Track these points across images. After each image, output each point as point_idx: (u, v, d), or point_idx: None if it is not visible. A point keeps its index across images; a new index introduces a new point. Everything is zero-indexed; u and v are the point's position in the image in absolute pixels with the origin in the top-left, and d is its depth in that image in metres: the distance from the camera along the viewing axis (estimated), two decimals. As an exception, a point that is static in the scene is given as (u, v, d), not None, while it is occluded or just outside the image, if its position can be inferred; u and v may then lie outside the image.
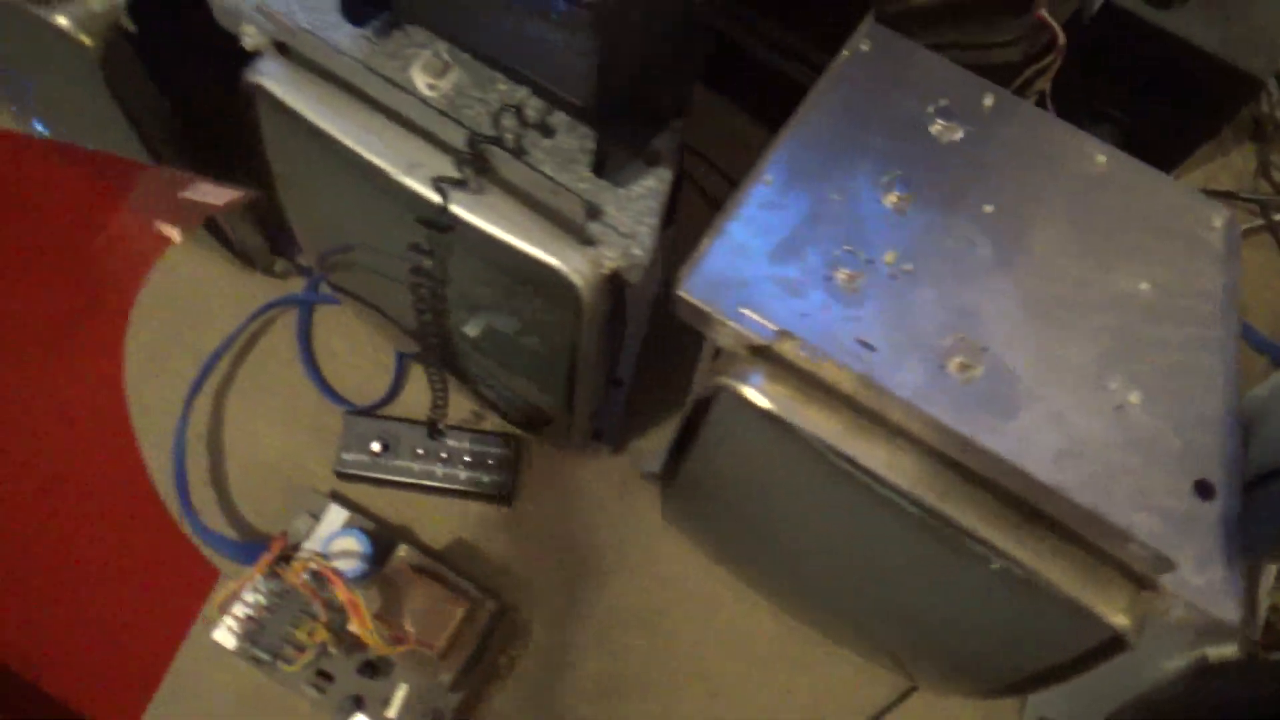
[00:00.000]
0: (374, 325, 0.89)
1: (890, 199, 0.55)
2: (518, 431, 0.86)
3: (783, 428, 0.51)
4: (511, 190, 0.55)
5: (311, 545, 0.80)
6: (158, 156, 0.69)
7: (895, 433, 0.50)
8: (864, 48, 0.59)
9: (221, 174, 0.78)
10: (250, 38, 0.57)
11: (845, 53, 0.59)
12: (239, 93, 0.76)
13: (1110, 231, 0.55)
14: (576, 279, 0.54)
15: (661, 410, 0.90)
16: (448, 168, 0.54)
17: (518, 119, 0.53)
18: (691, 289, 0.51)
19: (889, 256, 0.53)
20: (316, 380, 0.88)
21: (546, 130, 0.55)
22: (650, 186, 0.55)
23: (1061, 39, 0.74)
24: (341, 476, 0.85)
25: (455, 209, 0.54)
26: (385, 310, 0.75)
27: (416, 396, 0.89)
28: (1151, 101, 0.92)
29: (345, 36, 0.57)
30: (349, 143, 0.55)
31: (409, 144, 0.56)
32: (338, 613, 0.75)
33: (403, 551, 0.75)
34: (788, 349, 0.50)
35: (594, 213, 0.53)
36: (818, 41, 0.83)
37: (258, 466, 0.86)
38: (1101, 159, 0.57)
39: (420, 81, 0.56)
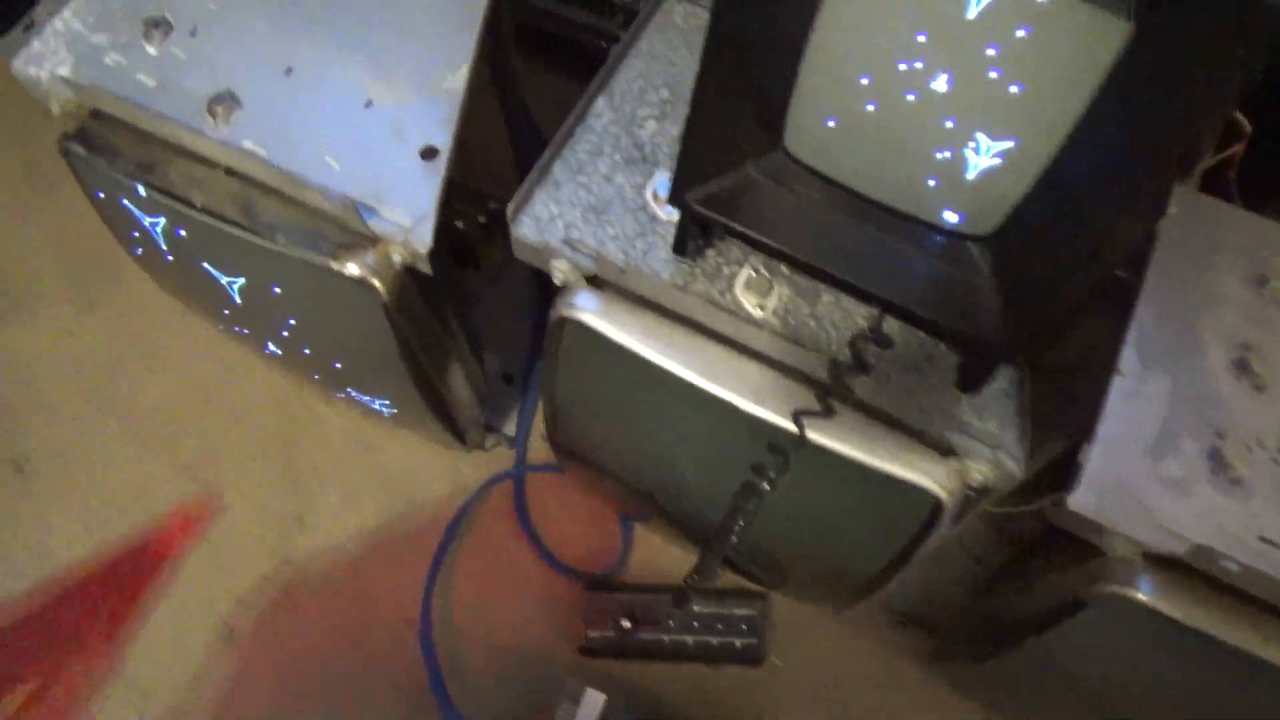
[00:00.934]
0: (596, 491, 0.87)
1: (1246, 376, 0.53)
2: (756, 587, 0.84)
3: (1190, 635, 0.50)
4: (866, 409, 0.53)
5: (577, 735, 0.77)
6: (414, 363, 0.67)
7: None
8: (1173, 211, 0.58)
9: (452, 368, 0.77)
10: (561, 273, 0.56)
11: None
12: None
13: None
14: (942, 494, 0.53)
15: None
16: (800, 394, 0.53)
17: (870, 339, 0.52)
18: (1082, 502, 0.50)
19: (1268, 441, 0.51)
20: (545, 555, 0.86)
21: (885, 341, 0.54)
22: (1002, 388, 0.54)
23: (1247, 128, 0.73)
24: (587, 653, 0.83)
25: (811, 435, 0.52)
26: (661, 500, 0.73)
27: (644, 558, 0.88)
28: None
29: (660, 263, 0.55)
30: (690, 378, 0.54)
31: (751, 371, 0.54)
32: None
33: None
34: (1200, 559, 0.48)
35: (957, 425, 0.52)
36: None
37: (497, 649, 0.84)
38: None
39: (747, 302, 0.55)
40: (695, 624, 0.82)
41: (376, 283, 0.58)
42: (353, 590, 0.86)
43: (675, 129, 0.58)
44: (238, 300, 0.67)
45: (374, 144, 0.58)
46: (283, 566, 0.87)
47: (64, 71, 0.61)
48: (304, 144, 0.58)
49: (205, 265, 0.65)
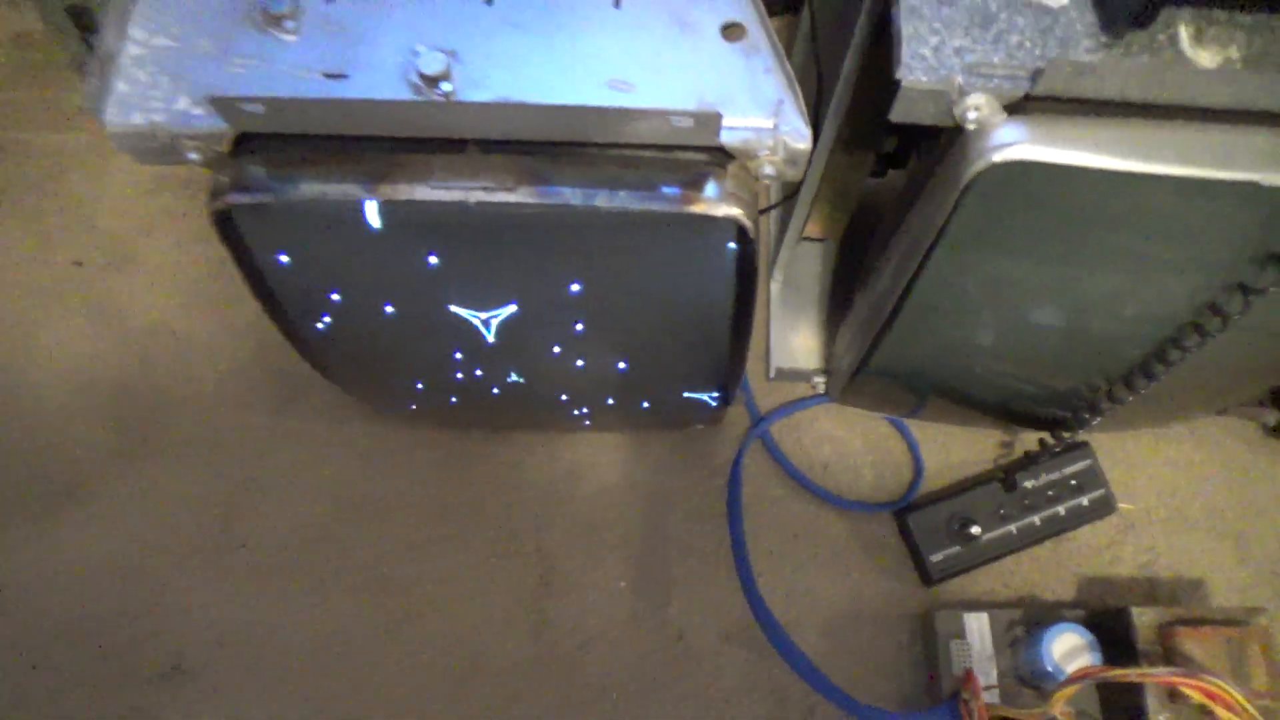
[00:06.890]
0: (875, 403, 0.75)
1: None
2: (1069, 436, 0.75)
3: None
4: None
5: (984, 666, 0.67)
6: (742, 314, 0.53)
7: None
8: None
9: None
10: (976, 111, 0.43)
11: None
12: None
13: None
14: None
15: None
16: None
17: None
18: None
19: None
20: (830, 498, 0.75)
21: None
22: None
23: None
24: (936, 581, 0.72)
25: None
26: (1013, 370, 0.62)
27: (935, 460, 0.77)
28: None
29: (1084, 52, 0.44)
30: (1183, 171, 0.43)
31: (1255, 140, 0.43)
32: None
33: (1147, 615, 0.63)
34: None
35: None
36: None
37: (831, 617, 0.72)
38: None
39: (1205, 59, 0.44)
40: (1031, 501, 0.73)
41: (739, 213, 0.44)
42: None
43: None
44: (490, 339, 0.51)
45: (656, 44, 0.44)
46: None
47: (181, 105, 0.43)
48: (569, 74, 0.43)
49: (454, 307, 0.49)
